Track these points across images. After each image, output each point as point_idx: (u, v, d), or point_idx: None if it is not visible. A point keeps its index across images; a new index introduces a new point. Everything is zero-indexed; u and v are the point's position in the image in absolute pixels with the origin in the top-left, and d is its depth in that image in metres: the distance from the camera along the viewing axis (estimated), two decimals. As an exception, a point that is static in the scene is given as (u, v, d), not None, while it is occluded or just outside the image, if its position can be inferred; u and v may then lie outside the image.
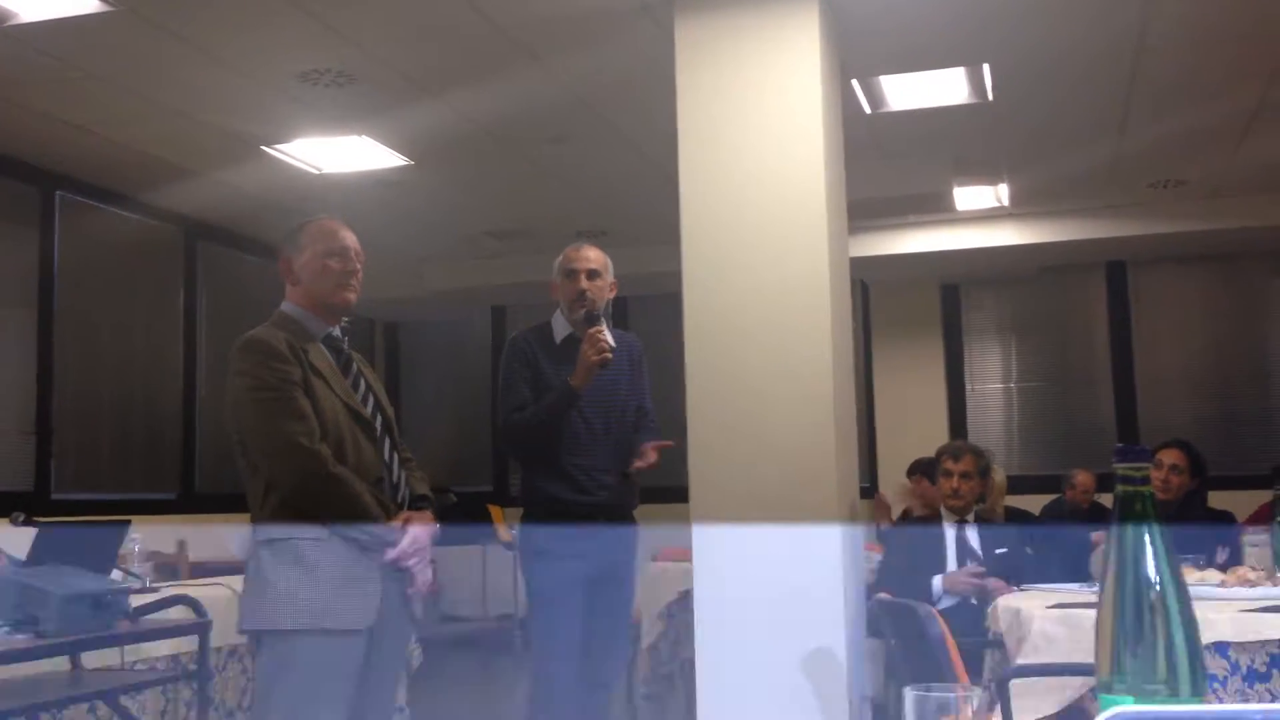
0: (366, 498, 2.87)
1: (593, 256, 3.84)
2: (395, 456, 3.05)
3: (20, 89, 5.59)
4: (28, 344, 6.79)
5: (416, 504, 3.06)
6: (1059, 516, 7.52)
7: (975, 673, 3.66)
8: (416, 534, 2.93)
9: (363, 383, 3.07)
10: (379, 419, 3.03)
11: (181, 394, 7.91)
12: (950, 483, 4.69)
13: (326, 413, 2.89)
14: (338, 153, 6.57)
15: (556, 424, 3.72)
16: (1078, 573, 5.31)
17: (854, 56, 5.12)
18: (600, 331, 3.68)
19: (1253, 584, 3.11)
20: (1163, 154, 7.05)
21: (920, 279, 9.37)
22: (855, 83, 5.65)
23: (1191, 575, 3.17)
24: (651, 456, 3.78)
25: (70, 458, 7.03)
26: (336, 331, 3.07)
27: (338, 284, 3.02)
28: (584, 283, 3.78)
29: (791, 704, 4.08)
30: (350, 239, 3.07)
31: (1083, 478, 7.56)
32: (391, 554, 2.90)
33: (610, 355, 3.66)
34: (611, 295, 3.90)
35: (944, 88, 5.84)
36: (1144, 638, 1.01)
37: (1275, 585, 3.09)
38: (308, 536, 2.83)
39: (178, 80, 5.48)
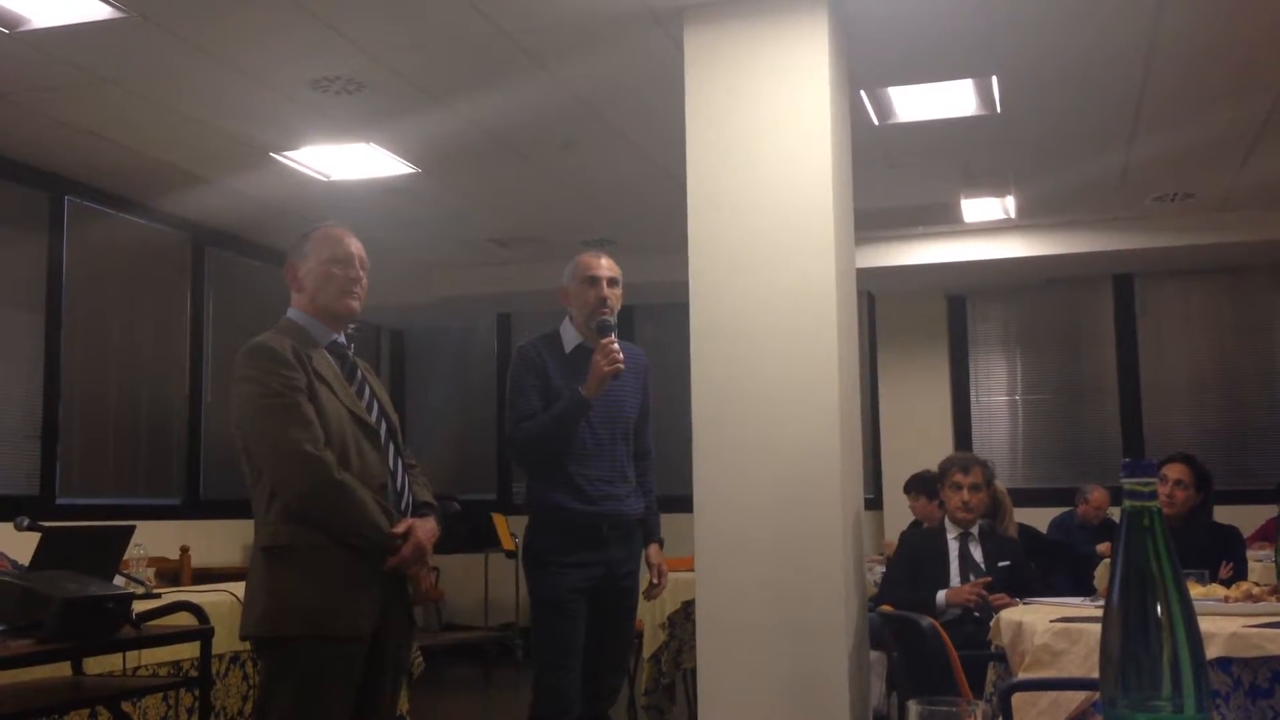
0: (370, 504, 2.88)
1: (610, 265, 3.89)
2: (399, 463, 3.06)
3: (31, 94, 5.61)
4: (35, 348, 6.80)
5: (420, 510, 3.07)
6: (1068, 530, 7.51)
7: (978, 686, 3.65)
8: (418, 540, 2.94)
9: (367, 389, 3.08)
10: (383, 425, 3.04)
11: (187, 400, 7.92)
12: (960, 495, 4.69)
13: (331, 419, 2.90)
14: (346, 160, 6.59)
15: (566, 433, 3.72)
16: (1082, 587, 5.31)
17: (863, 68, 5.12)
18: (613, 342, 3.70)
19: (1256, 599, 3.10)
20: (1170, 167, 7.05)
21: (926, 290, 9.37)
22: (863, 94, 5.66)
23: (1195, 590, 3.16)
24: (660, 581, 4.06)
25: (75, 462, 7.03)
26: (341, 338, 3.08)
27: (342, 291, 3.03)
28: (605, 290, 3.81)
29: (793, 715, 4.07)
30: (355, 246, 3.08)
31: (1098, 494, 7.55)
32: (393, 560, 2.90)
33: (623, 366, 3.68)
34: (619, 305, 3.92)
35: (952, 99, 5.84)
36: (1148, 653, 1.01)
37: (1279, 601, 3.08)
38: (310, 542, 2.83)
39: (188, 86, 5.49)
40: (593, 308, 3.80)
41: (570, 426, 3.72)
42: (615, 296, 3.85)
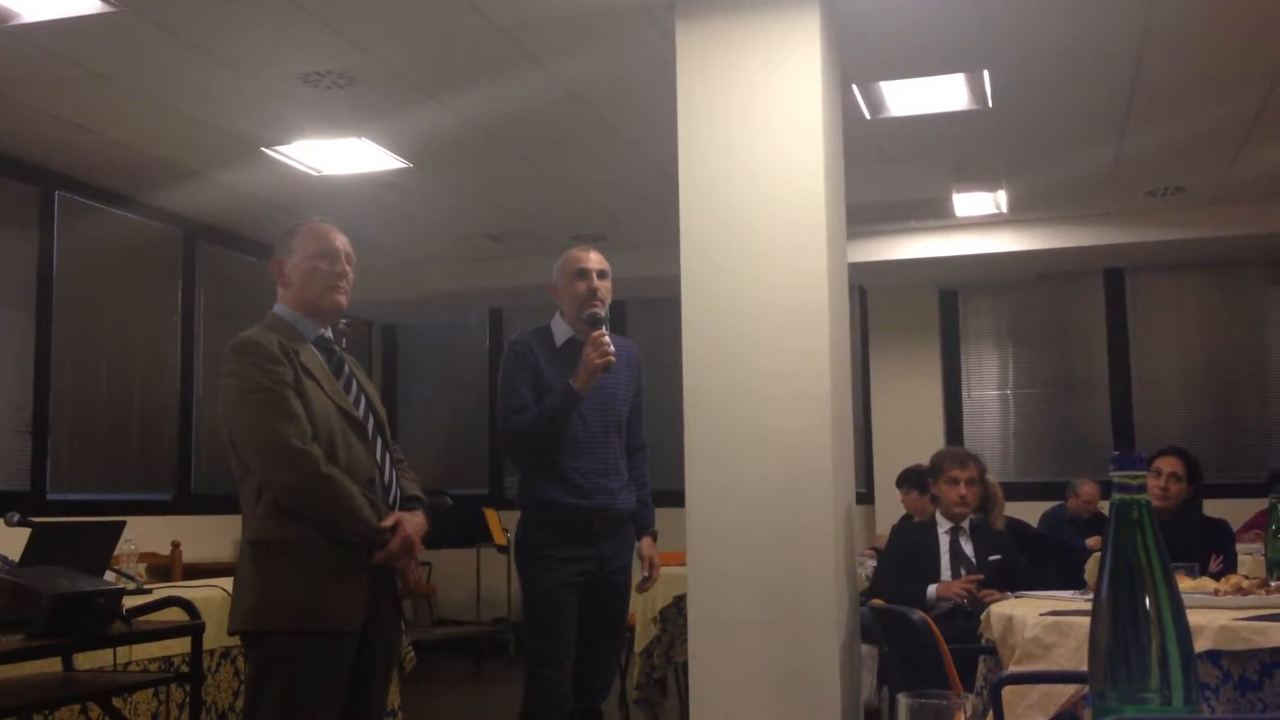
0: (358, 498, 2.88)
1: (599, 258, 3.89)
2: (387, 457, 3.06)
3: (21, 89, 5.59)
4: (25, 344, 6.79)
5: (407, 505, 3.07)
6: (1058, 524, 7.52)
7: (968, 680, 3.66)
8: (406, 534, 2.94)
9: (354, 384, 3.08)
10: (371, 420, 3.04)
11: (178, 395, 7.90)
12: (958, 490, 4.71)
13: (318, 413, 2.89)
14: (337, 154, 6.57)
15: (558, 426, 3.72)
16: (1072, 580, 5.31)
17: (854, 62, 5.12)
18: (603, 335, 3.70)
19: (1246, 592, 3.11)
20: (1161, 161, 7.06)
21: (918, 284, 9.38)
22: (855, 88, 5.66)
23: (1185, 583, 3.17)
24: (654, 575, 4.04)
25: (66, 458, 7.02)
26: (328, 333, 3.08)
27: (327, 286, 3.02)
28: (595, 282, 3.82)
29: (784, 709, 4.07)
30: (341, 241, 3.08)
31: (1088, 488, 7.55)
32: (381, 554, 2.90)
33: (613, 358, 3.68)
34: (609, 299, 3.92)
35: (944, 94, 5.84)
36: (1138, 646, 1.01)
37: (1268, 594, 3.09)
38: (298, 537, 2.83)
39: (179, 81, 5.48)
40: (582, 300, 3.81)
41: (561, 419, 3.72)
42: (605, 289, 3.85)
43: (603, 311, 3.80)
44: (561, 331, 3.89)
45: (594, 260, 3.87)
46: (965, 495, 4.72)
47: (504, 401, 3.82)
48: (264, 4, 4.64)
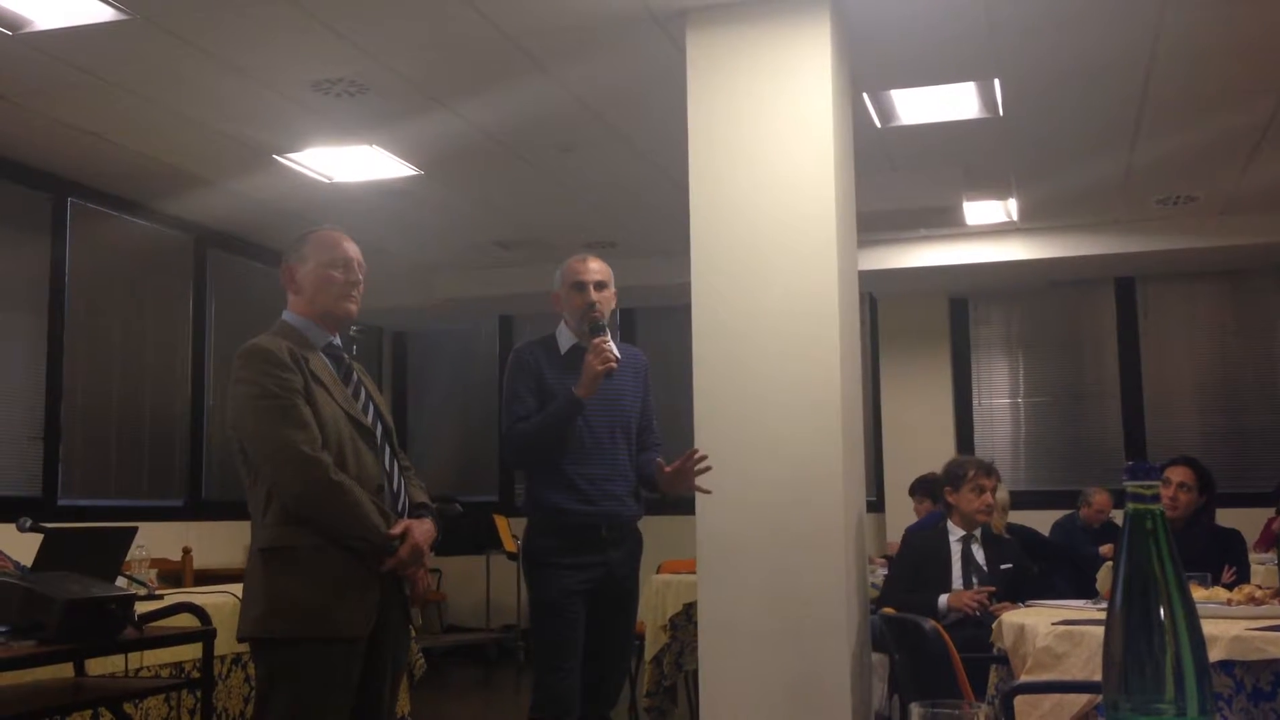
0: (367, 505, 2.88)
1: (598, 268, 3.87)
2: (395, 465, 3.07)
3: (34, 96, 5.62)
4: (37, 350, 6.81)
5: (416, 512, 3.07)
6: (1070, 533, 7.51)
7: (980, 689, 3.65)
8: (415, 542, 2.94)
9: (363, 392, 3.09)
10: (379, 428, 3.05)
11: (189, 401, 7.92)
12: (984, 498, 4.74)
13: (328, 421, 2.90)
14: (348, 162, 6.59)
15: (561, 433, 3.72)
16: (1084, 589, 5.30)
17: (865, 70, 5.12)
18: (605, 341, 3.70)
19: (1259, 602, 3.10)
20: (1172, 170, 7.05)
21: (929, 292, 9.37)
22: (866, 96, 5.66)
23: (1198, 593, 3.16)
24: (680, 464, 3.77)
25: (77, 464, 7.04)
26: (337, 340, 3.09)
27: (340, 294, 3.04)
28: (593, 294, 3.80)
29: (795, 718, 4.07)
30: (352, 249, 3.09)
31: (1100, 497, 7.54)
32: (390, 562, 2.91)
33: (615, 364, 3.68)
34: (613, 306, 3.91)
35: (954, 102, 5.84)
36: (1152, 656, 1.01)
37: (1283, 604, 3.08)
38: (307, 544, 2.84)
39: (191, 88, 5.50)
40: (581, 312, 3.81)
41: (564, 425, 3.71)
42: (604, 299, 3.83)
43: (604, 319, 3.79)
44: (565, 339, 3.89)
45: (592, 271, 3.85)
46: (991, 503, 4.78)
47: (508, 409, 3.82)
48: (276, 11, 4.66)
